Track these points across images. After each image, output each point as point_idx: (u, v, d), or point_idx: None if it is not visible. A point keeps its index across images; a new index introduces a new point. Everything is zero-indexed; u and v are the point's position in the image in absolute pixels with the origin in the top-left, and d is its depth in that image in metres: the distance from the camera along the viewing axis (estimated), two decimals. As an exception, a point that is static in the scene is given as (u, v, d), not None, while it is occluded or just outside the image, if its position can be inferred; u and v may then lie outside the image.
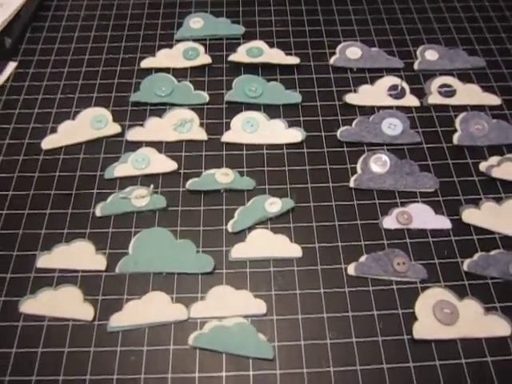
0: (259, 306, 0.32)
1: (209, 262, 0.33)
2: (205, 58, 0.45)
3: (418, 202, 0.37)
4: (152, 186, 0.36)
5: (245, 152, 0.39)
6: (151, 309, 0.32)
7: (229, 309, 0.32)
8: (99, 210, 0.36)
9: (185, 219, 0.36)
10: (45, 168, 0.38)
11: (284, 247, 0.34)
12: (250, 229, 0.35)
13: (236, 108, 0.42)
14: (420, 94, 0.43)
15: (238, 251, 0.34)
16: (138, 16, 0.49)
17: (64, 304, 0.32)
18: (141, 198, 0.36)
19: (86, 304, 0.32)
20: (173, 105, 0.42)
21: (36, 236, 0.35)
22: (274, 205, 0.36)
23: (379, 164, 0.38)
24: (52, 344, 0.31)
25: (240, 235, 0.35)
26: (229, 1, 0.50)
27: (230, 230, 0.35)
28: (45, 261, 0.34)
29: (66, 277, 0.33)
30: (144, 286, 0.33)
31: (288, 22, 0.48)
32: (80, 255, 0.34)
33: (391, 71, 0.44)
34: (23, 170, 0.38)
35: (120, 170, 0.38)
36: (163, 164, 0.38)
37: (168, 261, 0.34)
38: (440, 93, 0.42)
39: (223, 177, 0.37)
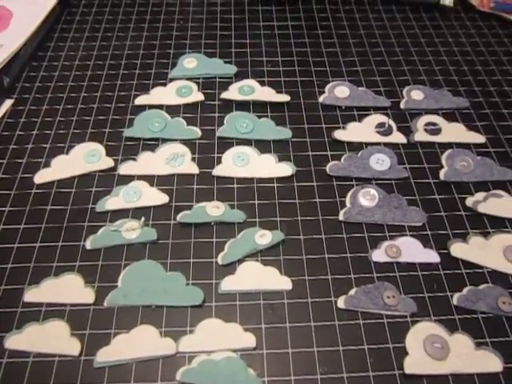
0: (249, 340, 0.32)
1: (198, 294, 0.33)
2: (197, 96, 0.46)
3: (406, 235, 0.37)
4: (143, 218, 0.37)
5: (236, 185, 0.40)
6: (139, 343, 0.31)
7: (218, 342, 0.31)
8: (89, 243, 0.36)
9: (175, 252, 0.36)
10: (36, 202, 0.39)
11: (274, 280, 0.34)
12: (240, 261, 0.35)
13: (227, 143, 0.43)
14: (406, 131, 0.44)
15: (228, 284, 0.34)
16: (133, 56, 0.51)
17: (50, 339, 0.31)
18: (131, 231, 0.36)
19: (72, 339, 0.31)
20: (165, 140, 0.43)
21: (25, 270, 0.35)
22: (264, 237, 0.36)
23: (368, 198, 0.39)
24: (37, 381, 0.30)
25: (230, 267, 0.35)
26: (222, 42, 0.52)
27: (220, 262, 0.35)
28: (32, 295, 0.33)
29: (53, 311, 0.33)
30: (132, 319, 0.33)
31: (279, 63, 0.50)
32: (68, 288, 0.34)
33: (378, 109, 0.46)
34: (14, 204, 0.38)
35: (111, 203, 0.38)
36: (154, 197, 0.38)
37: (157, 293, 0.33)
38: (426, 130, 0.44)
39: (214, 209, 0.37)
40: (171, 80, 0.48)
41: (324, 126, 0.45)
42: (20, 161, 0.41)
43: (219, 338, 0.32)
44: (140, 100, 0.46)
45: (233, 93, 0.46)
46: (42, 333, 0.32)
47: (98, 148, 0.41)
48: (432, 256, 0.36)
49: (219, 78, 0.48)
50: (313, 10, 0.57)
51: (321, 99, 0.46)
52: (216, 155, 0.42)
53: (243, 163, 0.41)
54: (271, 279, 0.34)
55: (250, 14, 0.56)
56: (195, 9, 0.57)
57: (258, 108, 0.46)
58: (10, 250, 0.36)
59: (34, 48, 0.50)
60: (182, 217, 0.37)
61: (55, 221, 0.37)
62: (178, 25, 0.55)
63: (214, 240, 0.37)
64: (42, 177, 0.40)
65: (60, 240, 0.36)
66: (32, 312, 0.33)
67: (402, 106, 0.46)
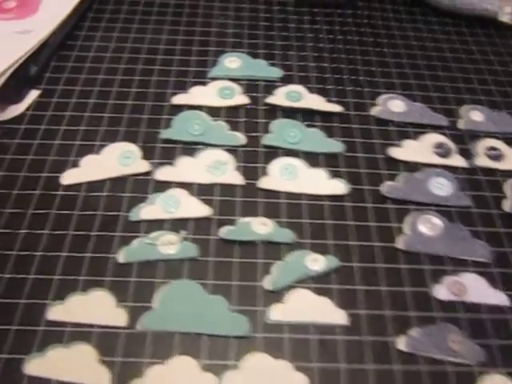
0: (299, 381, 0.28)
1: (244, 323, 0.30)
2: (241, 98, 0.42)
3: (469, 271, 0.34)
4: (183, 232, 0.33)
5: (282, 201, 0.36)
6: (177, 377, 0.27)
7: (265, 382, 0.28)
8: (122, 256, 0.32)
9: (216, 271, 0.32)
10: (63, 205, 0.35)
11: (327, 312, 0.31)
12: (289, 287, 0.32)
13: (273, 153, 0.39)
14: (465, 154, 0.41)
15: (277, 313, 0.30)
16: (169, 51, 0.47)
17: (76, 366, 0.27)
18: (169, 245, 0.32)
19: (100, 366, 0.28)
20: (205, 144, 0.39)
21: (48, 282, 0.31)
22: (317, 262, 0.32)
23: (428, 226, 0.35)
24: (58, 413, 0.26)
25: (277, 294, 0.31)
26: (265, 43, 0.49)
27: (266, 287, 0.32)
28: (57, 312, 0.29)
29: (79, 332, 0.29)
30: (169, 347, 0.29)
31: (326, 69, 0.47)
32: (97, 307, 0.30)
33: (435, 128, 0.42)
34: (39, 207, 0.34)
35: (147, 211, 0.34)
36: (195, 208, 0.35)
37: (198, 319, 0.30)
38: (488, 155, 0.40)
39: (261, 227, 0.34)
40: (211, 79, 0.44)
41: (377, 141, 0.41)
42: (45, 158, 0.38)
43: (266, 377, 0.28)
44: (178, 99, 0.42)
45: (279, 98, 0.42)
46: (66, 357, 0.28)
47: (132, 149, 0.38)
48: (501, 298, 0.32)
49: (263, 80, 0.45)
50: (362, 17, 0.53)
51: (374, 112, 0.43)
52: (261, 165, 0.38)
53: (291, 176, 0.37)
54: (324, 311, 0.31)
55: (294, 15, 0.53)
56: (237, 5, 0.53)
57: (306, 116, 0.42)
58: (32, 259, 0.32)
59: (63, 36, 0.47)
60: (225, 232, 0.33)
61: (83, 228, 0.34)
62: (219, 21, 0.51)
63: (260, 261, 0.33)
64: (69, 177, 0.36)
65: (88, 250, 0.33)
66: (55, 332, 0.29)
67: (460, 126, 0.42)
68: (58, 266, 0.32)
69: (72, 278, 0.31)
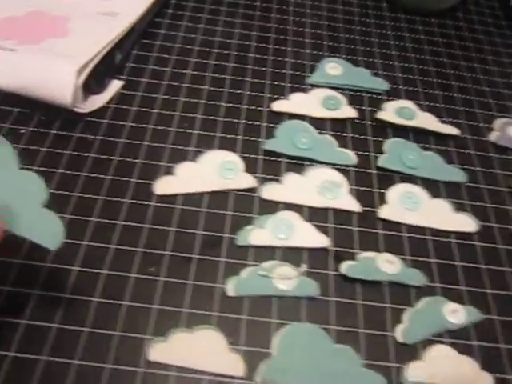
0: None
1: (380, 383, 0.25)
2: (348, 111, 0.38)
3: None
4: (304, 265, 0.28)
5: (405, 234, 0.32)
6: None
7: None
8: (231, 288, 0.27)
9: (339, 315, 0.27)
10: (157, 219, 0.30)
11: (472, 375, 0.26)
12: (426, 342, 0.27)
13: (388, 176, 0.34)
14: None
15: (417, 373, 0.26)
16: (263, 50, 0.42)
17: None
18: (286, 280, 0.28)
19: (216, 425, 0.23)
20: (312, 161, 0.34)
21: (145, 312, 0.26)
22: (456, 314, 0.28)
23: None
24: None
25: (412, 348, 0.27)
26: (364, 50, 0.44)
27: (399, 338, 0.27)
28: (160, 352, 0.25)
29: (186, 379, 0.24)
30: (293, 407, 0.24)
31: (434, 84, 0.42)
32: (207, 349, 0.25)
33: (562, 161, 0.38)
34: (130, 219, 0.30)
35: (256, 236, 0.29)
36: (310, 236, 0.30)
37: (325, 374, 0.25)
38: None
39: (387, 265, 0.29)
40: (311, 86, 0.40)
41: (499, 171, 0.36)
42: (134, 161, 0.33)
43: None
44: (278, 106, 0.37)
45: (389, 114, 0.38)
46: (174, 411, 0.23)
47: (234, 160, 0.33)
48: None
49: (367, 92, 0.40)
50: (463, 29, 0.48)
51: (493, 138, 0.38)
52: (377, 190, 0.33)
53: (414, 207, 0.32)
54: (469, 374, 0.26)
55: (391, 22, 0.48)
56: (329, 5, 0.48)
57: (418, 137, 0.37)
58: (126, 281, 0.27)
59: (147, 23, 0.42)
60: (346, 268, 0.29)
61: (182, 249, 0.29)
62: (312, 21, 0.46)
63: (388, 305, 0.28)
64: (164, 187, 0.31)
65: (190, 277, 0.28)
66: (158, 376, 0.24)
67: None
68: (155, 293, 0.27)
69: (173, 309, 0.27)
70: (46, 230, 0.22)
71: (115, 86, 0.37)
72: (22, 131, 0.33)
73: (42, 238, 0.22)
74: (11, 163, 0.22)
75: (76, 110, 0.34)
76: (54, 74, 0.32)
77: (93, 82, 0.35)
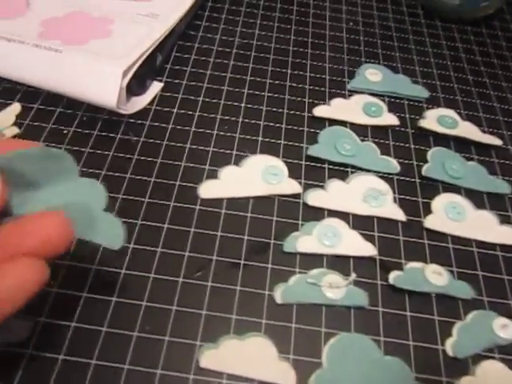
0: None
1: (432, 398, 0.25)
2: (390, 118, 0.37)
3: None
4: (354, 274, 0.28)
5: (451, 245, 0.31)
6: None
7: None
8: (280, 295, 0.27)
9: (388, 326, 0.27)
10: (202, 223, 0.30)
11: (525, 392, 0.26)
12: (475, 357, 0.27)
13: (432, 186, 0.34)
14: None
15: (469, 389, 0.25)
16: (300, 54, 0.42)
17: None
18: (335, 288, 0.27)
19: None
20: (356, 168, 0.34)
21: (194, 318, 0.26)
22: (506, 328, 0.27)
23: None
24: None
25: (462, 363, 0.26)
26: (402, 57, 0.44)
27: (450, 352, 0.26)
28: (210, 358, 0.24)
29: (238, 387, 0.24)
30: (345, 419, 0.24)
31: (472, 93, 0.42)
32: (257, 358, 0.25)
33: None
34: (176, 222, 0.30)
35: (303, 243, 0.29)
36: (358, 244, 0.30)
37: (377, 387, 0.25)
38: None
39: (435, 276, 0.29)
40: (350, 92, 0.39)
41: (543, 184, 0.36)
42: (178, 163, 0.33)
43: None
44: (320, 111, 0.37)
45: (431, 122, 0.37)
46: (226, 419, 0.23)
47: (279, 165, 0.33)
48: None
49: (407, 99, 0.40)
50: (499, 38, 0.48)
51: (536, 150, 0.38)
52: (421, 200, 0.33)
53: (459, 218, 0.32)
54: (521, 390, 0.26)
55: (427, 29, 0.47)
56: (364, 11, 0.48)
57: (460, 146, 0.37)
58: (174, 286, 0.27)
59: (186, 24, 0.42)
60: (395, 279, 0.28)
61: (229, 254, 0.29)
62: (348, 26, 0.46)
63: (437, 318, 0.28)
64: (209, 191, 0.31)
65: (238, 282, 0.28)
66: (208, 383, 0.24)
67: None
68: (203, 298, 0.27)
69: (222, 315, 0.26)
70: (109, 232, 0.22)
71: (156, 87, 0.37)
72: (65, 131, 0.33)
73: (107, 240, 0.22)
74: (73, 174, 0.22)
75: (119, 111, 0.34)
76: (100, 75, 0.32)
77: (135, 84, 0.35)
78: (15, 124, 0.33)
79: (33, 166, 0.20)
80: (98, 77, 0.32)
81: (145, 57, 0.35)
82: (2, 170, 0.19)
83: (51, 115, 0.34)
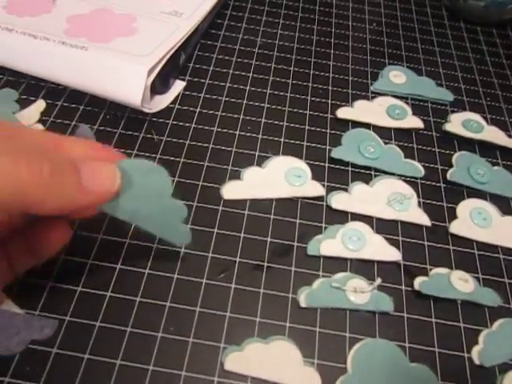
0: None
1: (458, 407, 0.24)
2: (414, 121, 0.37)
3: None
4: (378, 279, 0.28)
5: (477, 252, 0.31)
6: None
7: None
8: (304, 299, 0.27)
9: (413, 332, 0.27)
10: (226, 224, 0.30)
11: (553, 403, 0.25)
12: (503, 366, 0.26)
13: (457, 191, 0.34)
14: None
15: (496, 399, 0.25)
16: (323, 55, 0.42)
17: None
18: (360, 293, 0.27)
19: None
20: (379, 171, 0.34)
21: (218, 319, 0.26)
22: (534, 338, 0.27)
23: None
24: None
25: (489, 372, 0.26)
26: (426, 59, 0.43)
27: (477, 361, 0.26)
28: (235, 361, 0.24)
29: (262, 390, 0.24)
30: (370, 426, 0.24)
31: (498, 97, 0.41)
32: (282, 362, 0.24)
33: None
34: (199, 223, 0.29)
35: (327, 246, 0.29)
36: (382, 249, 0.29)
37: (402, 394, 0.24)
38: None
39: (461, 283, 0.28)
40: (374, 94, 0.39)
41: None
42: (200, 163, 0.32)
43: None
44: (343, 113, 0.37)
45: (456, 126, 0.37)
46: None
47: (302, 167, 0.32)
48: None
49: (431, 102, 0.39)
50: (526, 40, 0.47)
51: (562, 155, 0.37)
52: (446, 204, 0.33)
53: (485, 223, 0.31)
54: (550, 402, 0.25)
55: (452, 31, 0.47)
56: (388, 11, 0.48)
57: (485, 151, 0.36)
58: (197, 287, 0.27)
59: (209, 23, 0.42)
60: (421, 284, 0.28)
61: (252, 256, 0.28)
62: (371, 27, 0.46)
63: (462, 325, 0.27)
64: (232, 191, 0.31)
65: (261, 285, 0.27)
66: (233, 386, 0.24)
67: None
68: (227, 300, 0.27)
69: (245, 317, 0.26)
70: (178, 233, 0.26)
71: (179, 86, 0.37)
72: (89, 129, 0.33)
73: (177, 240, 0.26)
74: (167, 192, 0.24)
75: (143, 109, 0.34)
76: (125, 74, 0.32)
77: (158, 82, 0.35)
78: (40, 121, 0.33)
79: (138, 177, 0.23)
80: (124, 75, 0.32)
81: (169, 56, 0.35)
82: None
83: (75, 112, 0.34)
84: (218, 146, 0.34)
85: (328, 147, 0.35)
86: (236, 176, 0.32)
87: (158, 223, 0.24)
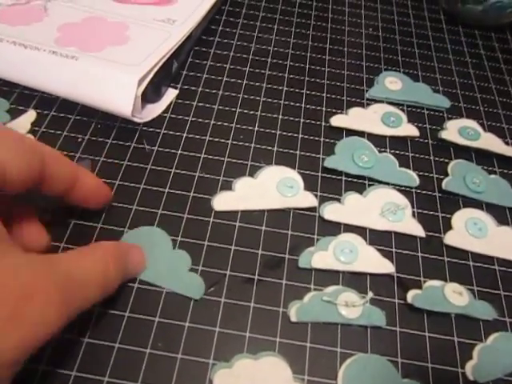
0: None
1: (450, 425, 0.24)
2: (409, 129, 0.36)
3: None
4: (370, 293, 0.27)
5: (471, 263, 0.30)
6: None
7: None
8: (294, 313, 0.26)
9: (406, 347, 0.26)
10: (216, 236, 0.29)
11: (548, 421, 0.25)
12: (498, 382, 0.26)
13: (452, 200, 0.33)
14: None
15: (490, 416, 0.24)
16: (319, 61, 0.41)
17: None
18: (351, 307, 0.27)
19: None
20: (373, 180, 0.33)
21: (206, 335, 0.25)
22: (530, 353, 0.26)
23: None
24: None
25: (483, 388, 0.26)
26: (423, 64, 0.43)
27: (470, 376, 0.26)
28: (224, 378, 0.24)
29: (250, 408, 0.24)
30: None
31: (496, 103, 0.40)
32: (272, 378, 0.24)
33: None
34: (190, 235, 0.29)
35: (319, 258, 0.28)
36: (374, 261, 0.29)
37: (393, 412, 0.24)
38: None
39: (456, 296, 0.28)
40: (369, 101, 0.38)
41: None
42: (191, 174, 0.32)
43: None
44: (336, 120, 0.36)
45: (452, 133, 0.36)
46: None
47: (294, 177, 0.32)
48: None
49: (427, 109, 0.39)
50: (525, 44, 0.47)
51: (560, 163, 0.36)
52: (441, 215, 0.32)
53: (481, 234, 0.31)
54: (545, 419, 0.25)
55: (450, 35, 0.46)
56: (384, 16, 0.47)
57: (482, 159, 0.36)
58: (188, 301, 0.26)
59: (202, 30, 0.41)
60: (414, 298, 0.27)
61: (243, 269, 0.28)
62: (367, 31, 0.45)
63: (456, 339, 0.27)
64: (223, 203, 0.30)
65: (252, 299, 0.27)
66: (221, 404, 0.24)
67: None
68: (216, 315, 0.26)
69: (235, 332, 0.26)
70: (191, 285, 0.27)
71: (171, 94, 0.36)
72: (79, 139, 0.33)
73: (189, 292, 0.27)
74: (166, 244, 0.28)
75: (134, 119, 0.33)
76: (115, 84, 0.32)
77: (150, 91, 0.34)
78: (30, 131, 0.33)
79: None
80: (114, 85, 0.32)
81: (161, 64, 0.34)
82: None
83: (66, 122, 0.34)
84: (210, 156, 0.33)
85: (321, 156, 0.34)
86: (228, 187, 0.32)
87: (165, 276, 0.27)
